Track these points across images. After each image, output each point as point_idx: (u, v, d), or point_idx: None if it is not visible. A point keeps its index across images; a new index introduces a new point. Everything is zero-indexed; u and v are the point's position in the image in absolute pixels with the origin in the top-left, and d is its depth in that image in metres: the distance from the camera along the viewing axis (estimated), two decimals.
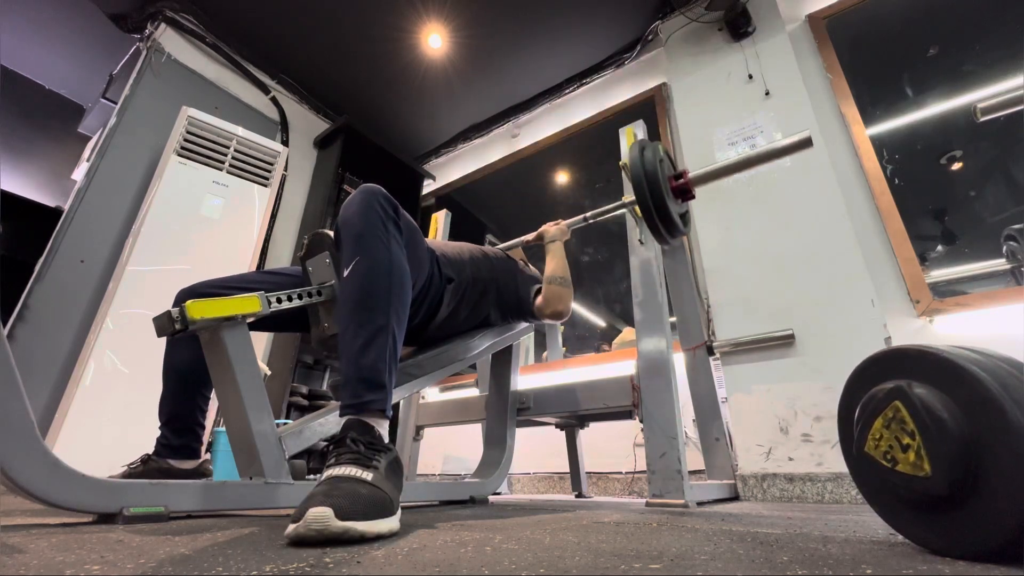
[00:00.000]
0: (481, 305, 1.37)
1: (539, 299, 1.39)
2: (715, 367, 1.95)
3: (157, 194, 2.23)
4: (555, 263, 1.45)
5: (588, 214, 1.61)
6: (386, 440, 0.76)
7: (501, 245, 1.67)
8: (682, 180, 1.29)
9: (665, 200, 1.23)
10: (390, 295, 0.84)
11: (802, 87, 2.15)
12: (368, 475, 0.65)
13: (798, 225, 1.95)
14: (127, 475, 0.98)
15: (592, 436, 2.26)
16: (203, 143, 2.41)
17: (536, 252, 1.65)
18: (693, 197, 1.33)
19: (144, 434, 1.28)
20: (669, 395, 1.27)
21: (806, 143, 1.21)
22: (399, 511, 0.67)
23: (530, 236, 1.65)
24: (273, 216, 2.88)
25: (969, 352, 0.50)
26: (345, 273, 0.85)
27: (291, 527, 0.55)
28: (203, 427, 1.08)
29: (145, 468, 0.99)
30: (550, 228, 1.58)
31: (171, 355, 1.06)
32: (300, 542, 0.55)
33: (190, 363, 1.02)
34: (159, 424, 1.05)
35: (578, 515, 0.98)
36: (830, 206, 1.90)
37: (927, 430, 0.48)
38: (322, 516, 0.54)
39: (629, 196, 1.53)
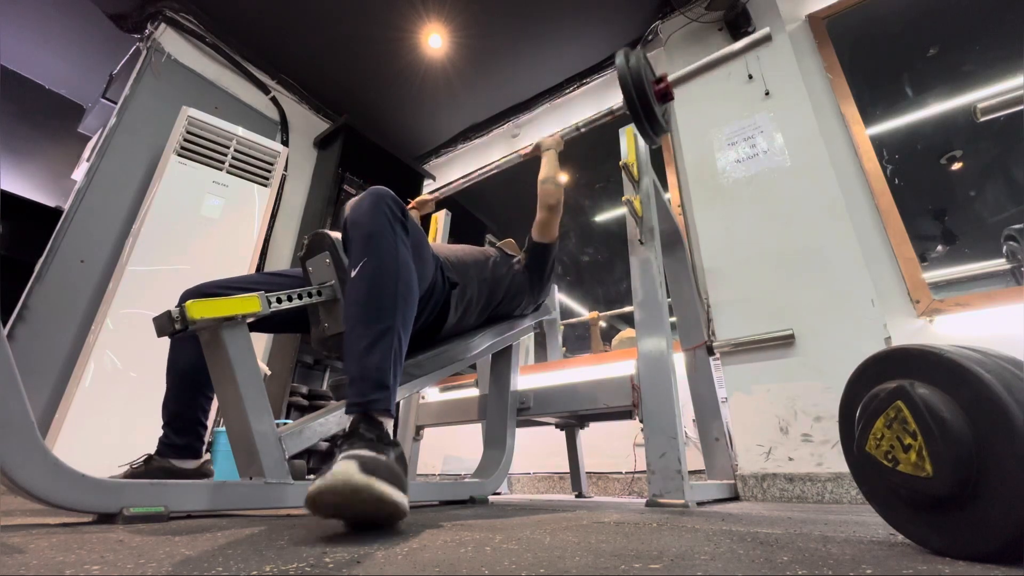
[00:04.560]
0: (491, 304, 1.41)
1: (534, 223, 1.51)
2: (715, 367, 1.95)
3: (157, 194, 2.23)
4: (547, 167, 1.59)
5: (580, 121, 1.72)
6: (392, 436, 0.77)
7: (502, 159, 1.88)
8: (663, 84, 1.44)
9: (650, 101, 1.38)
10: (396, 296, 0.84)
11: (802, 87, 2.15)
12: (382, 457, 0.66)
13: (798, 225, 1.95)
14: (129, 474, 0.98)
15: (592, 436, 2.26)
16: (203, 143, 2.41)
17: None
18: (672, 98, 1.48)
19: (144, 434, 1.28)
20: (669, 395, 1.26)
21: (766, 38, 1.37)
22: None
23: (527, 148, 1.78)
24: (273, 216, 2.88)
25: (971, 352, 0.50)
26: (353, 274, 0.85)
27: (313, 485, 0.56)
28: (205, 427, 1.08)
29: (147, 467, 0.99)
30: (545, 139, 1.70)
31: (174, 355, 1.06)
32: (322, 498, 0.56)
33: (193, 363, 1.02)
34: (161, 423, 1.05)
35: (578, 515, 0.98)
36: (830, 206, 1.90)
37: (929, 430, 0.48)
38: (347, 468, 0.55)
39: (630, 195, 1.53)
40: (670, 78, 1.46)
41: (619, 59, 1.39)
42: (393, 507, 0.60)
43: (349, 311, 0.84)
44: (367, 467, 0.57)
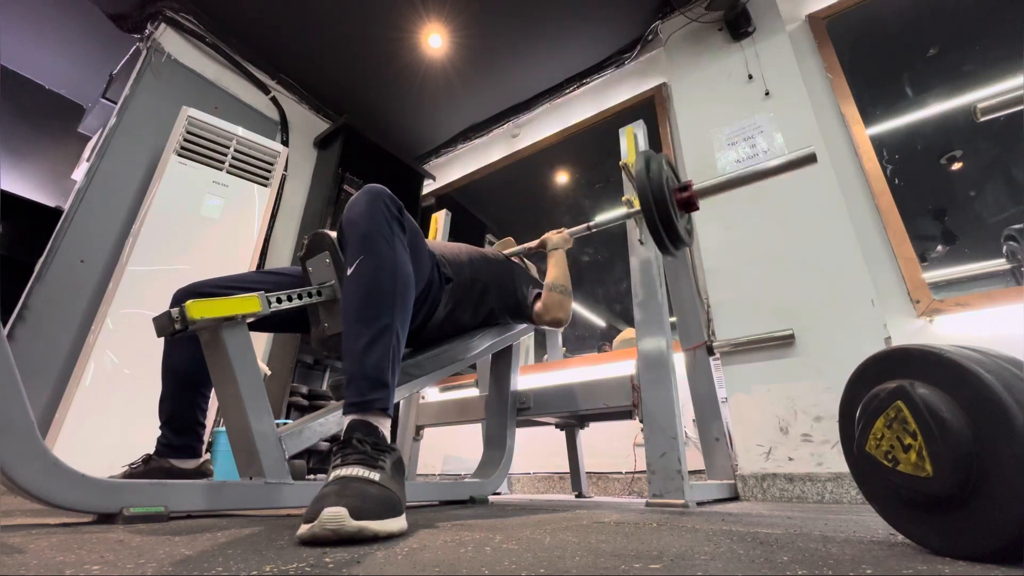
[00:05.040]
0: (483, 305, 1.38)
1: (538, 304, 1.40)
2: (715, 367, 1.95)
3: (157, 194, 2.23)
4: (556, 271, 1.46)
5: (592, 223, 1.60)
6: (388, 439, 0.76)
7: (506, 251, 1.67)
8: (686, 193, 1.27)
9: (672, 217, 1.21)
10: (394, 295, 0.84)
11: (802, 87, 2.15)
12: (375, 475, 0.65)
13: (798, 225, 1.95)
14: (128, 475, 0.98)
15: (592, 436, 2.26)
16: (203, 143, 2.41)
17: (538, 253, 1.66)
18: (697, 209, 1.30)
19: (144, 434, 1.27)
20: (669, 395, 1.27)
21: (810, 159, 1.19)
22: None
23: (533, 244, 1.66)
24: (273, 216, 2.88)
25: (972, 352, 0.50)
26: (349, 272, 0.85)
27: (304, 527, 0.55)
28: (203, 426, 1.08)
29: (146, 468, 0.99)
30: (552, 236, 1.59)
31: (169, 355, 1.06)
32: (314, 542, 0.55)
33: (189, 363, 1.02)
34: (159, 424, 1.05)
35: (578, 515, 0.98)
36: (830, 206, 1.90)
37: (929, 431, 0.48)
38: (337, 516, 0.55)
39: (630, 195, 1.53)
40: (696, 187, 1.28)
41: (638, 164, 1.23)
42: (388, 537, 0.60)
43: (346, 310, 0.84)
44: (357, 511, 0.56)
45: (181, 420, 1.05)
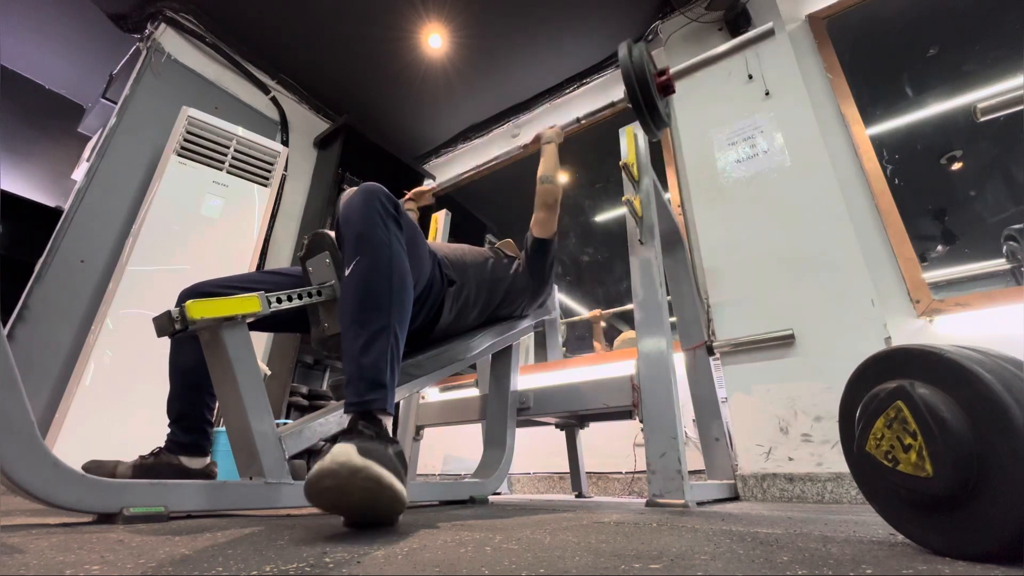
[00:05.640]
0: (490, 306, 1.40)
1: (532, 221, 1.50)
2: (715, 367, 1.95)
3: (157, 194, 2.23)
4: (547, 163, 1.57)
5: (580, 115, 1.73)
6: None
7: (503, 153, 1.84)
8: (664, 77, 1.46)
9: (652, 94, 1.39)
10: (391, 294, 0.84)
11: (802, 87, 2.15)
12: (381, 446, 0.66)
13: (798, 225, 1.95)
14: (137, 464, 0.99)
15: (592, 436, 2.26)
16: (203, 143, 2.41)
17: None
18: (674, 91, 1.50)
19: (144, 434, 1.28)
20: (669, 395, 1.26)
21: (768, 33, 1.41)
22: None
23: (528, 139, 1.78)
24: (273, 216, 2.88)
25: (972, 352, 0.50)
26: (346, 272, 0.85)
27: (312, 471, 0.57)
28: (211, 425, 1.08)
29: (156, 461, 1.00)
30: (546, 131, 1.69)
31: (176, 355, 1.06)
32: (321, 481, 0.56)
33: (195, 362, 1.02)
34: (168, 422, 1.05)
35: (578, 515, 0.98)
36: (830, 206, 1.90)
37: (929, 431, 0.48)
38: (345, 450, 0.55)
39: (630, 195, 1.53)
40: (672, 71, 1.47)
41: (622, 51, 1.40)
42: (392, 492, 0.60)
43: (344, 310, 0.84)
44: (365, 450, 0.57)
45: (189, 419, 1.05)
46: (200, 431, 1.06)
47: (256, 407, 0.87)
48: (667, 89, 1.47)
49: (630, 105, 1.43)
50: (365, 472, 0.56)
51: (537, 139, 1.70)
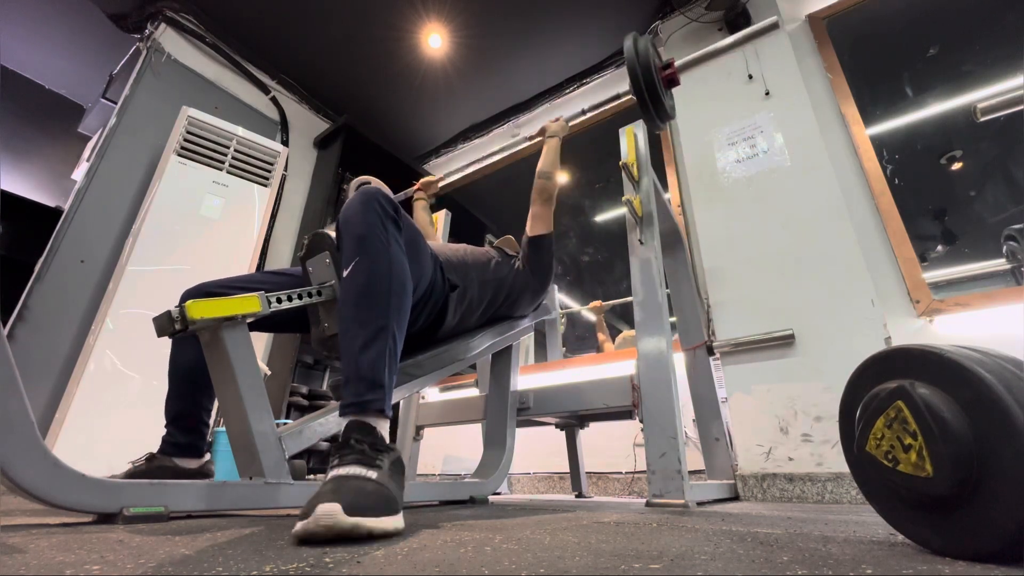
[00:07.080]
0: (493, 306, 1.40)
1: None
2: (715, 367, 1.95)
3: (157, 194, 2.23)
4: (547, 159, 1.56)
5: (586, 106, 1.75)
6: (387, 440, 0.76)
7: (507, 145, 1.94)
8: (669, 70, 1.47)
9: (657, 86, 1.41)
10: (390, 296, 0.84)
11: (802, 87, 2.15)
12: (373, 474, 0.65)
13: (798, 225, 1.95)
14: (131, 473, 0.98)
15: (592, 436, 2.26)
16: (203, 143, 2.41)
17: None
18: (679, 84, 1.52)
19: (144, 434, 1.27)
20: (669, 395, 1.26)
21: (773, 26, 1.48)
22: (402, 510, 0.67)
23: (533, 132, 1.77)
24: (273, 216, 2.88)
25: (972, 352, 0.50)
26: (345, 273, 0.85)
27: (299, 524, 0.55)
28: (208, 426, 1.08)
29: (149, 466, 0.99)
30: (551, 124, 1.68)
31: (176, 355, 1.06)
32: (309, 539, 0.55)
33: (195, 362, 1.02)
34: (165, 422, 1.05)
35: (578, 515, 0.98)
36: (830, 206, 1.90)
37: (929, 431, 0.48)
38: (331, 511, 0.54)
39: (630, 195, 1.53)
40: (677, 63, 1.48)
41: (627, 43, 1.41)
42: (384, 536, 0.60)
43: (343, 311, 0.84)
44: (352, 508, 0.56)
45: (187, 419, 1.05)
46: (197, 432, 1.06)
47: (256, 407, 0.87)
48: (672, 82, 1.48)
49: (634, 97, 1.44)
50: (355, 532, 0.56)
51: (542, 131, 1.70)
